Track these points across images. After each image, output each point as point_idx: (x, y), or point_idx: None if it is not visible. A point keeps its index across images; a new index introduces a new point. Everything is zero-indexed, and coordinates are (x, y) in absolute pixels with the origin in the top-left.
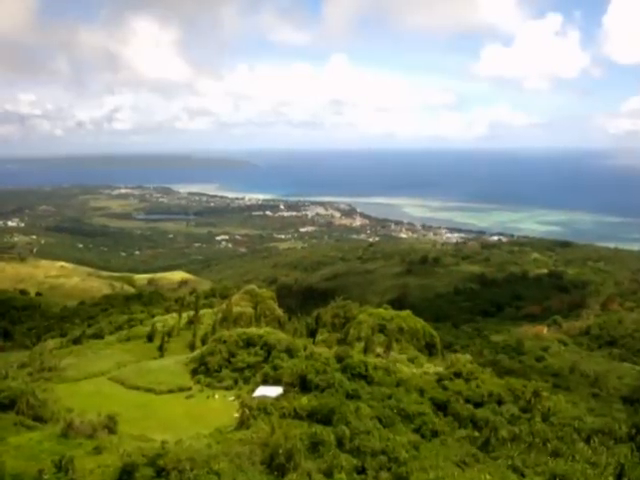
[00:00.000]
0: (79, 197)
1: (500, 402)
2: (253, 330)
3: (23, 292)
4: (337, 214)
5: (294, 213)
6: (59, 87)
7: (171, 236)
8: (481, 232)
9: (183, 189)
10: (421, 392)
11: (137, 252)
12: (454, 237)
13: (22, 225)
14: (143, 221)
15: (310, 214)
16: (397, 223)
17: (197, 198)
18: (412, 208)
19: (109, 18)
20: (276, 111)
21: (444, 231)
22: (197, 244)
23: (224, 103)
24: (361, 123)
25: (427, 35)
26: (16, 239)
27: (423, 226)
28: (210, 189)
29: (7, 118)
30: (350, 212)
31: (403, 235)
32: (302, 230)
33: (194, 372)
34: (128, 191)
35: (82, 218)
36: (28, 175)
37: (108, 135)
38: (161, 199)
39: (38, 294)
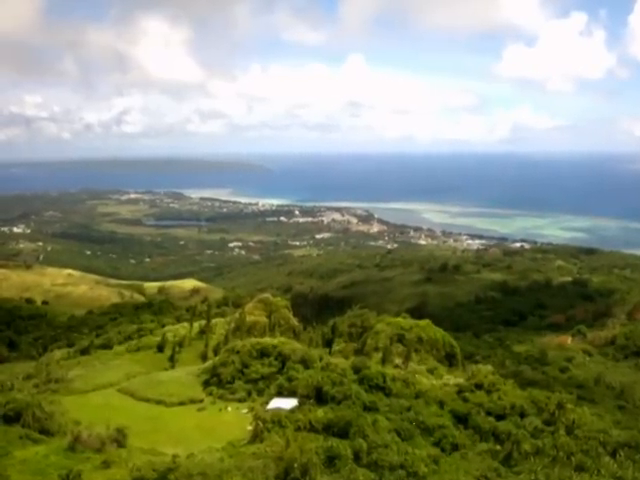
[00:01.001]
0: (87, 202)
1: (523, 415)
2: (267, 340)
3: (29, 301)
4: (354, 220)
5: (309, 219)
6: (66, 89)
7: (182, 243)
8: (503, 239)
9: (195, 194)
10: (441, 404)
11: (147, 259)
12: (475, 244)
13: (28, 231)
14: (153, 227)
15: (326, 220)
16: (416, 229)
17: (209, 203)
18: (431, 214)
19: (118, 17)
20: (291, 113)
21: (465, 237)
22: (209, 251)
23: (237, 105)
24: (378, 126)
25: (447, 35)
26: (22, 246)
27: (443, 232)
28: (223, 194)
29: (12, 120)
30: (367, 218)
31: (422, 242)
32: (318, 237)
33: (206, 383)
34: (138, 196)
35: (90, 224)
36: (34, 180)
37: (117, 138)
38: (172, 204)
39: (44, 303)
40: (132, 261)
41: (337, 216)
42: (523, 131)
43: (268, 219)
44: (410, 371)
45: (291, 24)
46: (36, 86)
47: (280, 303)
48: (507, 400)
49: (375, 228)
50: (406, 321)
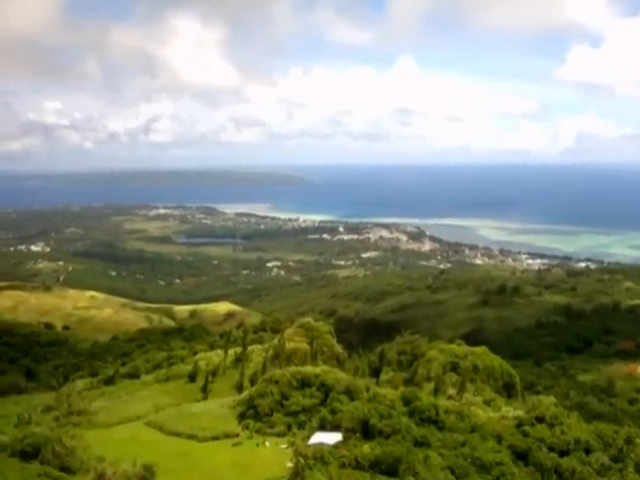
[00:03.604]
0: (112, 218)
1: (588, 450)
2: (309, 369)
3: (48, 326)
4: (403, 237)
5: (355, 236)
6: (88, 94)
7: (216, 262)
8: (566, 258)
9: (229, 209)
10: (499, 439)
11: (177, 280)
12: (536, 263)
13: (47, 250)
14: (184, 245)
15: (373, 237)
16: (471, 248)
17: (245, 219)
18: (488, 230)
19: (145, 16)
20: (334, 121)
21: (524, 257)
22: (245, 271)
23: (275, 112)
24: (430, 135)
25: (505, 36)
26: (40, 266)
27: (501, 251)
28: (260, 209)
29: (30, 129)
30: (418, 235)
31: (478, 261)
32: (364, 256)
33: (242, 416)
34: (167, 211)
35: (115, 242)
36: (53, 193)
37: (144, 148)
38: (204, 220)
39: (65, 328)
40: (161, 282)
41: (385, 233)
42: (588, 140)
43: (310, 236)
44: (465, 403)
45: (335, 23)
46: (56, 91)
47: (323, 328)
48: (571, 434)
49: (427, 246)
50: (460, 348)
